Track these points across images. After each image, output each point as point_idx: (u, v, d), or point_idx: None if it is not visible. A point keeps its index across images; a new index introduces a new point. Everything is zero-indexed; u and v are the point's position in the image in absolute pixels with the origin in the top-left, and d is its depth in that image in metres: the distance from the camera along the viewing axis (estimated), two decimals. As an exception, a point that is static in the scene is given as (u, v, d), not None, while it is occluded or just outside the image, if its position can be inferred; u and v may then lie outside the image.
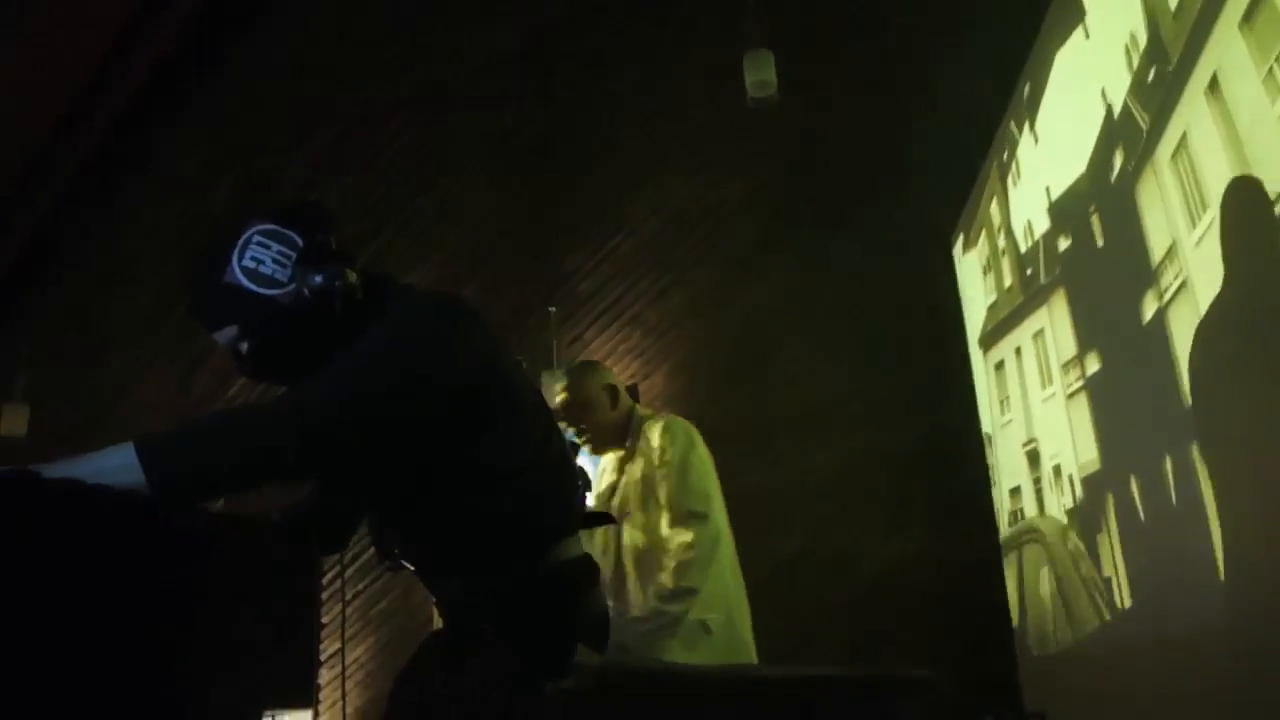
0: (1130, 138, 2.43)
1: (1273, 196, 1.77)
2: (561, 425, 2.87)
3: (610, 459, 2.90)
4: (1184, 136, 2.11)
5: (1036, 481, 3.59)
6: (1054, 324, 3.24)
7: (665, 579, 2.54)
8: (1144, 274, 2.39)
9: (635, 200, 5.03)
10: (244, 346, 1.60)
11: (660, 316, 4.92)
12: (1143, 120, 2.33)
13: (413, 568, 1.75)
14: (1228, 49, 1.89)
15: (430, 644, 1.71)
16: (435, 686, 1.62)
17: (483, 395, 1.61)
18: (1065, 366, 3.09)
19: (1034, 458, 3.57)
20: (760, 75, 3.98)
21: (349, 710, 5.05)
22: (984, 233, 3.95)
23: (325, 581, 5.42)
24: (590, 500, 2.98)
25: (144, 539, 1.05)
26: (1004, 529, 3.84)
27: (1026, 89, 3.30)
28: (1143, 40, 2.33)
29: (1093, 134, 2.70)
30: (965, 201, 4.02)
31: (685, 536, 2.56)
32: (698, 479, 2.67)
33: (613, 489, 2.85)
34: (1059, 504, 3.35)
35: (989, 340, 3.97)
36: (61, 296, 6.97)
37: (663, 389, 4.96)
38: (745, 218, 4.77)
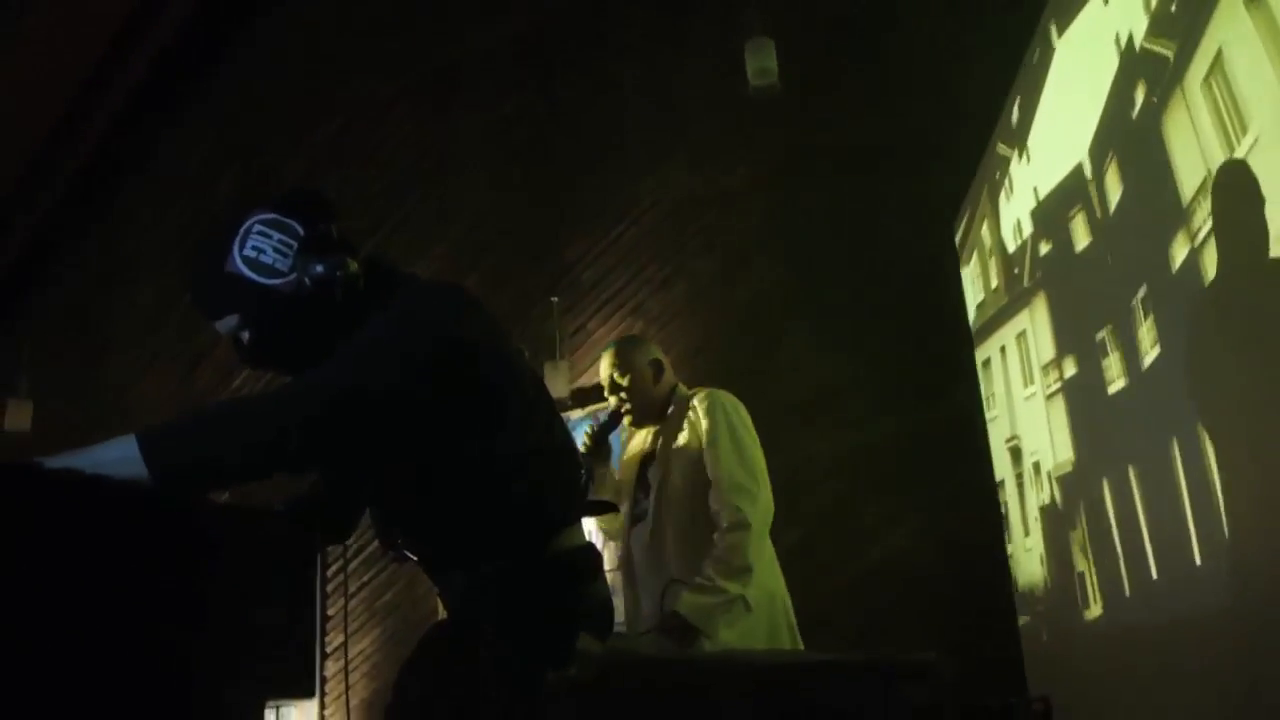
0: (1122, 135, 2.43)
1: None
2: (608, 398, 2.92)
3: (645, 431, 2.91)
4: (1216, 61, 1.99)
5: (1019, 477, 3.65)
6: (1035, 325, 3.29)
7: (722, 554, 2.53)
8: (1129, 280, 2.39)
9: (637, 189, 5.03)
10: (245, 336, 1.60)
11: (663, 306, 4.92)
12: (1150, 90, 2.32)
13: (416, 558, 1.76)
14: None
15: (432, 635, 1.72)
16: (437, 677, 1.62)
17: (484, 383, 1.61)
18: (1063, 354, 3.09)
19: (1015, 453, 3.63)
20: (761, 63, 3.97)
21: (356, 702, 5.06)
22: (979, 229, 3.97)
23: (330, 574, 5.44)
24: (615, 470, 3.00)
25: (143, 528, 1.05)
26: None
27: (1025, 90, 3.29)
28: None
29: (1086, 137, 2.70)
30: (968, 189, 4.01)
31: (738, 514, 2.56)
32: (751, 455, 2.68)
33: (645, 457, 2.86)
34: (1037, 499, 3.40)
35: (977, 338, 4.01)
36: (62, 295, 6.99)
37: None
38: (747, 206, 4.76)
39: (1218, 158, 1.95)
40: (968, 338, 4.05)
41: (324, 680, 5.25)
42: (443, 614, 1.83)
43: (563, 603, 1.64)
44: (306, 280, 1.56)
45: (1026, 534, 3.61)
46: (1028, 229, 3.29)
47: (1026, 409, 3.47)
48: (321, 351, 1.50)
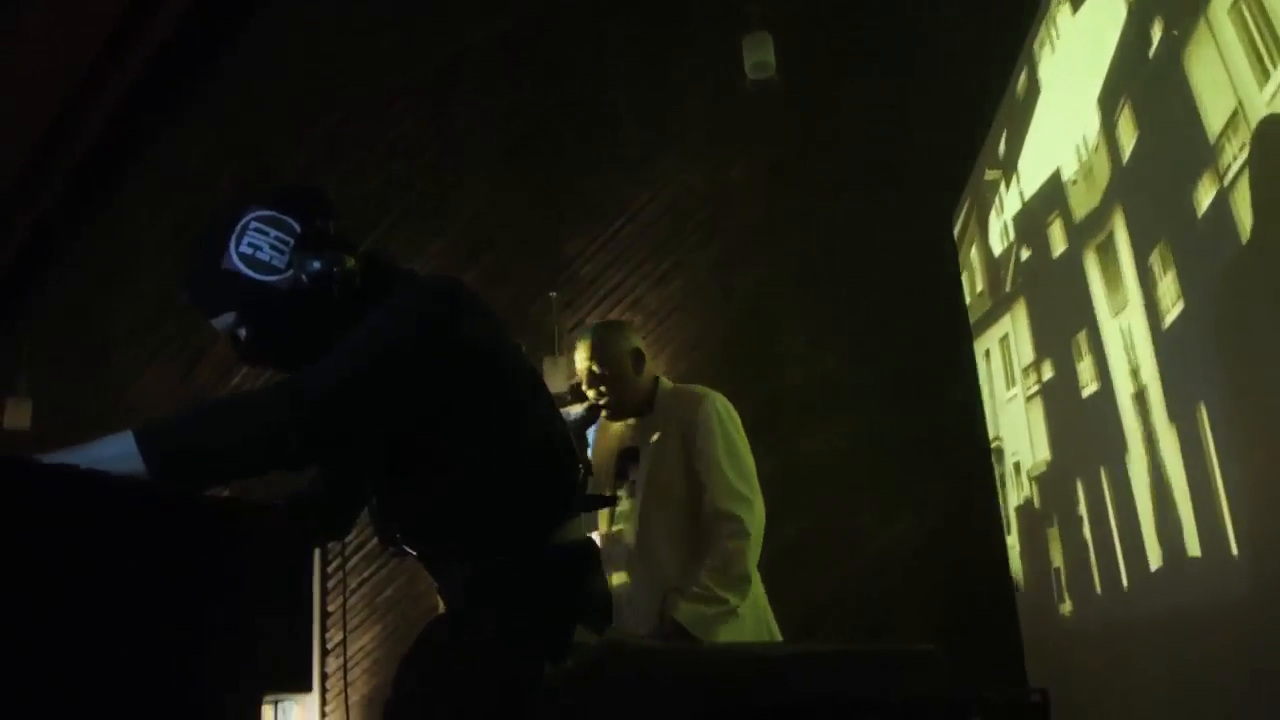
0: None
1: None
2: (585, 390, 2.76)
3: (620, 425, 2.78)
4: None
5: (1002, 477, 3.67)
6: (1015, 327, 3.31)
7: (721, 563, 2.48)
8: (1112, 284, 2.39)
9: (635, 184, 5.03)
10: (242, 333, 1.60)
11: (661, 301, 4.92)
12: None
13: (414, 553, 1.75)
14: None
15: (432, 630, 1.71)
16: (436, 673, 1.62)
17: (483, 375, 1.61)
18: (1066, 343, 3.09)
19: (999, 454, 3.65)
20: (759, 57, 3.98)
21: (356, 698, 5.07)
22: (972, 229, 3.98)
23: (329, 571, 5.43)
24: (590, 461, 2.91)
25: (140, 522, 1.05)
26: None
27: (1026, 87, 3.29)
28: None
29: (1078, 136, 2.70)
30: (965, 183, 4.01)
31: (737, 522, 2.51)
32: (745, 461, 2.63)
33: (624, 451, 2.75)
34: (1018, 496, 3.42)
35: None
36: (62, 294, 6.97)
37: (665, 373, 4.93)
38: (745, 201, 4.76)
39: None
40: (966, 333, 4.05)
41: (324, 676, 5.26)
42: (442, 609, 1.83)
43: (563, 597, 1.64)
44: (304, 277, 1.56)
45: (1009, 531, 3.62)
46: (1012, 234, 3.30)
47: (1008, 411, 3.50)
48: (319, 348, 1.50)
